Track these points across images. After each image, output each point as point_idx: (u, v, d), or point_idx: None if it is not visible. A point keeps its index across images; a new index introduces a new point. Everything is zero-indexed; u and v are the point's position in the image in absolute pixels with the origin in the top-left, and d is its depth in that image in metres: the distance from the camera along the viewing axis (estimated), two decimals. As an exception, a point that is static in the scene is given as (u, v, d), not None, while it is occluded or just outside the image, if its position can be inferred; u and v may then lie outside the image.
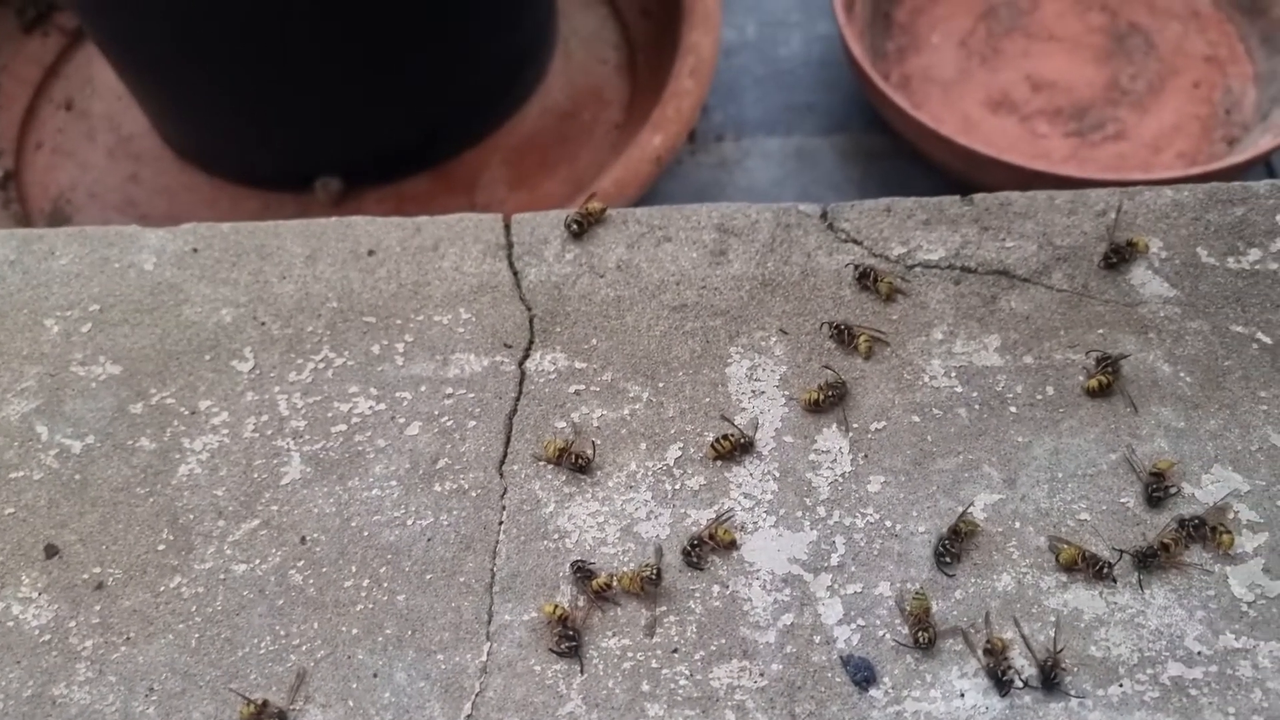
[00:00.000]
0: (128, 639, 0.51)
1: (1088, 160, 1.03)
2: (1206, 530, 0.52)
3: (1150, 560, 0.51)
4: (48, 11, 1.16)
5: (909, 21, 1.12)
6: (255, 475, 0.56)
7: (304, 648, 0.51)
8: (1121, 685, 0.49)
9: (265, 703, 0.48)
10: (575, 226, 0.63)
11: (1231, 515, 0.53)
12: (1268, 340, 0.58)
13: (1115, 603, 0.51)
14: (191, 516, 0.55)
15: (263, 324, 0.61)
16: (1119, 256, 0.61)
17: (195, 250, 0.64)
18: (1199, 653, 0.49)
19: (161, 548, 0.54)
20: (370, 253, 0.63)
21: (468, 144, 1.07)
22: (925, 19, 1.13)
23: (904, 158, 1.04)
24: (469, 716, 0.49)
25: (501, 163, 1.06)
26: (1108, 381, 0.56)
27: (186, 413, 0.58)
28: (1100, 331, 0.59)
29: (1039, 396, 0.57)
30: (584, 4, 1.15)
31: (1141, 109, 1.07)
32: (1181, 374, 0.57)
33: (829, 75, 1.10)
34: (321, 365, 0.60)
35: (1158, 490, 0.53)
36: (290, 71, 0.96)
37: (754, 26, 1.14)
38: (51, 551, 0.54)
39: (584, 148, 1.06)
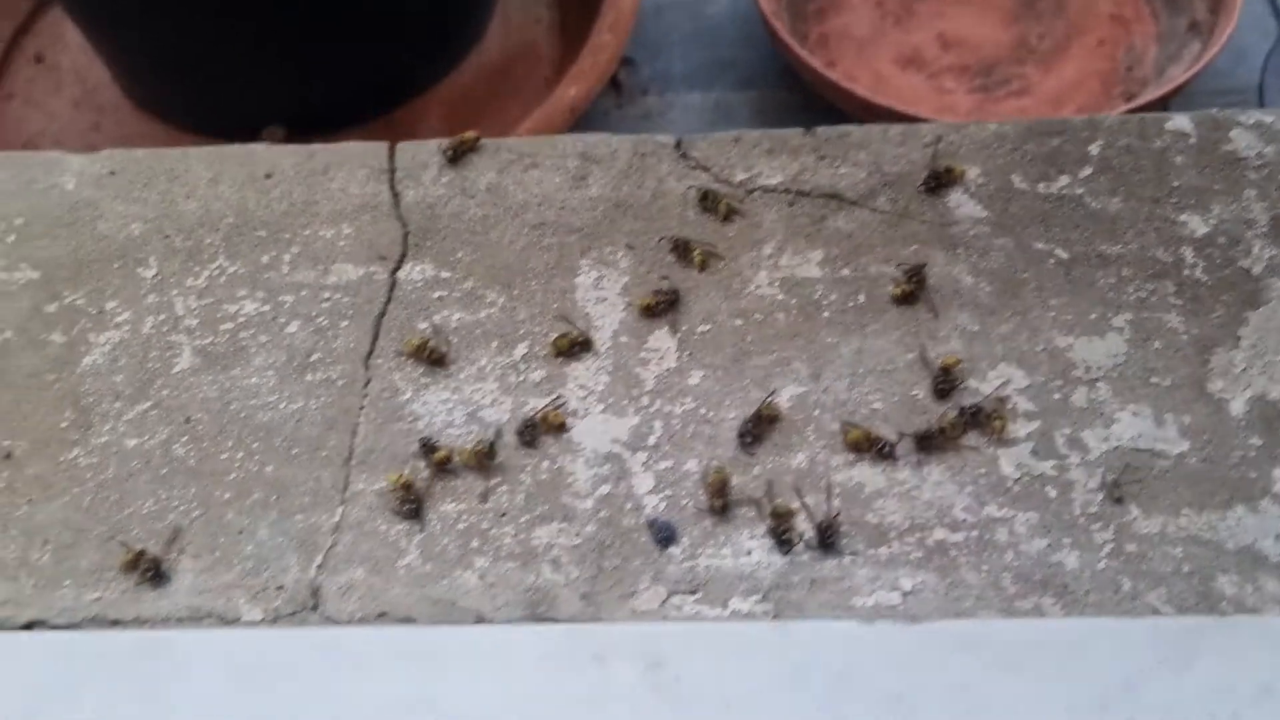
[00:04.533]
0: (30, 500, 0.59)
1: (990, 114, 1.09)
2: (983, 417, 0.58)
3: (929, 442, 0.58)
4: (19, -31, 1.23)
5: (828, -18, 1.18)
6: (150, 365, 0.63)
7: (181, 509, 0.58)
8: (890, 547, 0.55)
9: (143, 552, 0.56)
10: (450, 153, 0.70)
11: (1010, 406, 0.59)
12: (1065, 255, 0.64)
13: (895, 478, 0.57)
14: (92, 399, 0.62)
15: (167, 237, 0.68)
16: (938, 181, 0.67)
17: (112, 173, 0.71)
18: (963, 520, 0.56)
19: (64, 425, 0.61)
20: (267, 175, 0.70)
21: (407, 97, 1.13)
22: (844, -19, 1.18)
23: (817, 112, 1.10)
24: (319, 565, 0.56)
25: (438, 115, 1.13)
26: (912, 290, 0.63)
27: (94, 312, 0.65)
28: (914, 248, 0.65)
29: (850, 304, 0.63)
30: (522, -33, 1.21)
31: (1046, 66, 1.13)
32: (982, 284, 0.64)
33: (751, 32, 1.16)
34: (216, 272, 0.67)
35: (944, 383, 0.60)
36: (238, 26, 1.03)
37: (682, -14, 1.20)
38: (-32, 429, 0.61)
39: (515, 101, 1.12)
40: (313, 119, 1.12)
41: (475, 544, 0.57)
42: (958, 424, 0.58)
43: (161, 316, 0.65)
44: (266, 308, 0.65)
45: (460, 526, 0.57)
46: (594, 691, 0.48)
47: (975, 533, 0.56)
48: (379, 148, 0.71)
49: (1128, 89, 1.11)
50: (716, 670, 0.49)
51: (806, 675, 0.49)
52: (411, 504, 0.57)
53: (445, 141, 0.70)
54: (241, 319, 0.65)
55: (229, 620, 0.55)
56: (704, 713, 0.47)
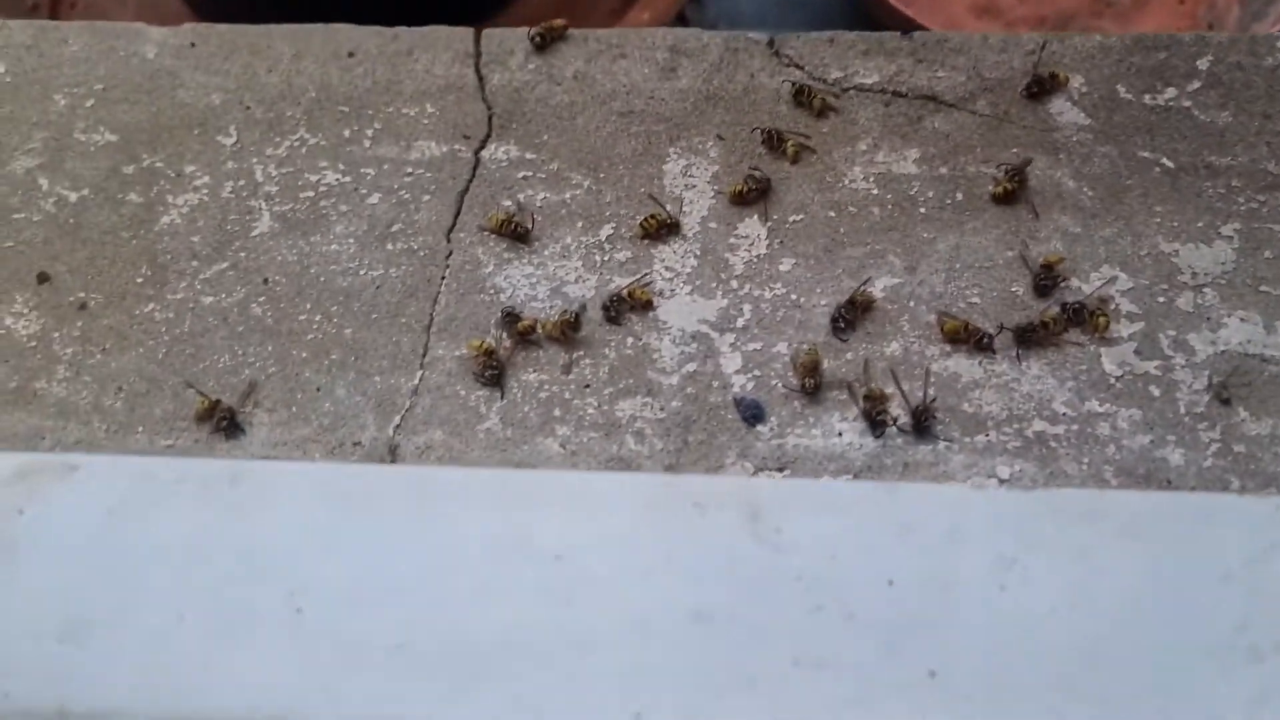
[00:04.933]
0: (104, 350, 0.58)
1: (1067, 66, 1.07)
2: (1085, 314, 0.56)
3: (1029, 335, 0.56)
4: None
5: (905, -73, 1.16)
6: (229, 227, 0.62)
7: (257, 365, 0.57)
8: (988, 435, 0.54)
9: (219, 401, 0.54)
10: (539, 39, 0.68)
11: (1112, 306, 0.57)
12: (1170, 165, 0.62)
13: (992, 370, 0.56)
14: (169, 257, 0.61)
15: (248, 108, 0.67)
16: (1041, 87, 0.65)
17: (193, 45, 0.70)
18: (1063, 414, 0.54)
19: (140, 280, 0.60)
20: (350, 54, 0.69)
21: (488, 11, 1.12)
22: (921, -74, 1.16)
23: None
24: (397, 426, 0.55)
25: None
26: (1013, 189, 0.61)
27: (172, 174, 0.64)
28: (1014, 151, 0.63)
29: (948, 201, 0.62)
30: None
31: (1125, 20, 1.10)
32: (1085, 189, 0.62)
33: (827, -23, 1.14)
34: (297, 143, 0.65)
35: (1046, 280, 0.58)
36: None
37: (755, -73, 1.19)
38: (43, 278, 0.60)
39: (589, 22, 1.11)
40: (379, 23, 1.10)
41: (557, 413, 0.55)
42: (1059, 320, 0.56)
43: (241, 182, 0.64)
44: (348, 179, 0.64)
45: (542, 395, 0.56)
46: (692, 535, 0.46)
47: (1076, 426, 0.54)
48: (464, 32, 0.70)
49: (1209, 48, 1.08)
50: (817, 524, 0.47)
51: (913, 534, 0.47)
52: (493, 370, 0.55)
53: (533, 29, 0.68)
54: (323, 188, 0.63)
55: (303, 475, 0.54)
56: (806, 562, 0.46)
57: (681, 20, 1.13)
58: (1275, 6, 1.05)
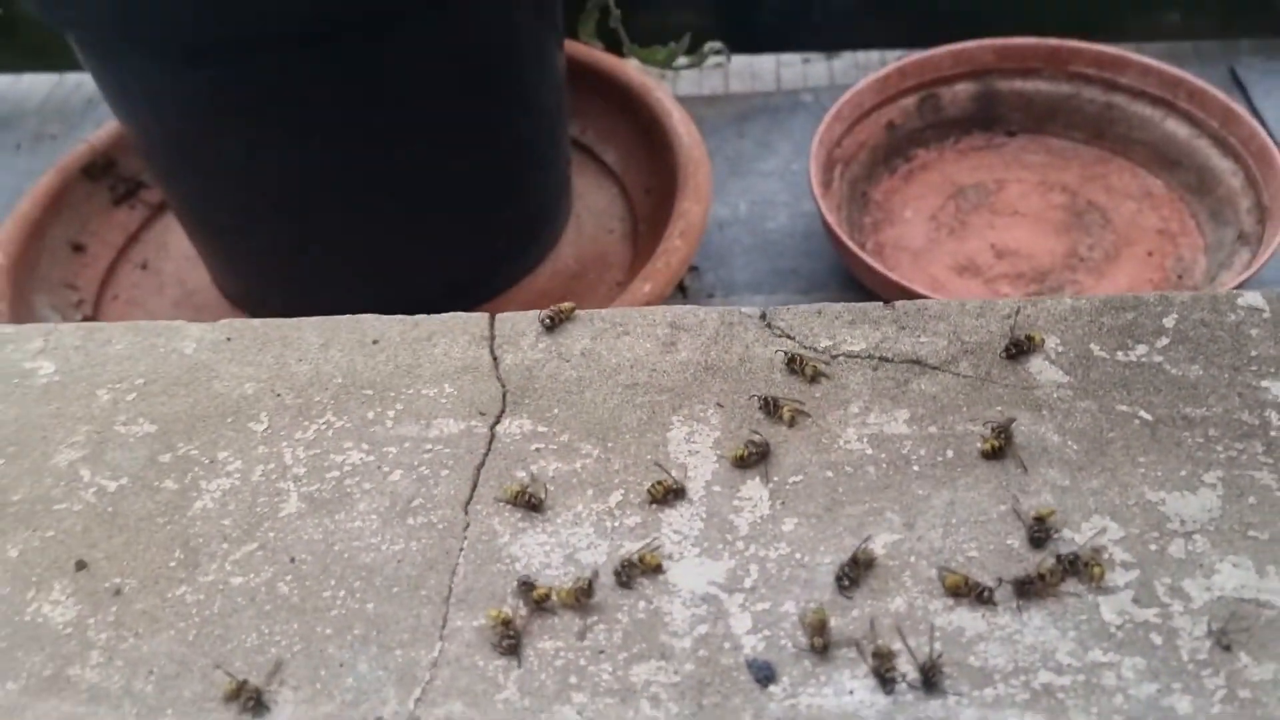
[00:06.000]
0: (136, 634, 0.60)
1: (1048, 317, 1.13)
2: (1081, 564, 0.59)
3: (1028, 587, 0.58)
4: (135, 189, 1.34)
5: (884, 200, 1.26)
6: (258, 509, 0.65)
7: (283, 643, 0.59)
8: (996, 688, 0.54)
9: (245, 682, 0.56)
10: (548, 321, 0.74)
11: (1106, 555, 0.60)
12: (1149, 417, 0.66)
13: (995, 623, 0.57)
14: (201, 540, 0.64)
15: (279, 395, 0.72)
16: (1018, 349, 0.70)
17: (229, 339, 0.76)
18: (1068, 664, 0.55)
19: (172, 564, 0.63)
20: (374, 342, 0.75)
21: (488, 298, 1.20)
22: (899, 198, 1.26)
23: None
24: (418, 699, 0.56)
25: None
26: (1000, 445, 0.64)
27: (206, 461, 0.68)
28: (998, 409, 0.67)
29: (940, 459, 0.65)
30: (597, 184, 1.30)
31: (1099, 273, 1.18)
32: (1069, 443, 0.65)
33: (811, 246, 1.22)
34: (324, 426, 0.70)
35: (1039, 532, 0.60)
36: (331, 233, 1.11)
37: (746, 205, 1.28)
38: (81, 565, 0.63)
39: (587, 303, 1.18)
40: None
41: (573, 680, 0.56)
42: (1056, 570, 0.58)
43: (270, 465, 0.68)
44: (371, 458, 0.68)
45: (558, 663, 0.57)
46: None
47: (1081, 676, 0.55)
48: (480, 317, 0.76)
49: (1180, 296, 1.15)
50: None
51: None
52: (510, 640, 0.57)
53: (544, 311, 0.74)
54: (347, 468, 0.67)
55: (325, 754, 0.54)
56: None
57: (681, 289, 1.20)
58: (1239, 256, 1.12)
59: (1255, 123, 1.14)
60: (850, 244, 1.11)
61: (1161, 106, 1.23)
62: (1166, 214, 1.21)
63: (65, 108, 1.57)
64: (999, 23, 1.31)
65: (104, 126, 1.35)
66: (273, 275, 1.17)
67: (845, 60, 1.50)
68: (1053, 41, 1.26)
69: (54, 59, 1.58)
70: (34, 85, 1.63)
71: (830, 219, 1.13)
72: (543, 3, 1.11)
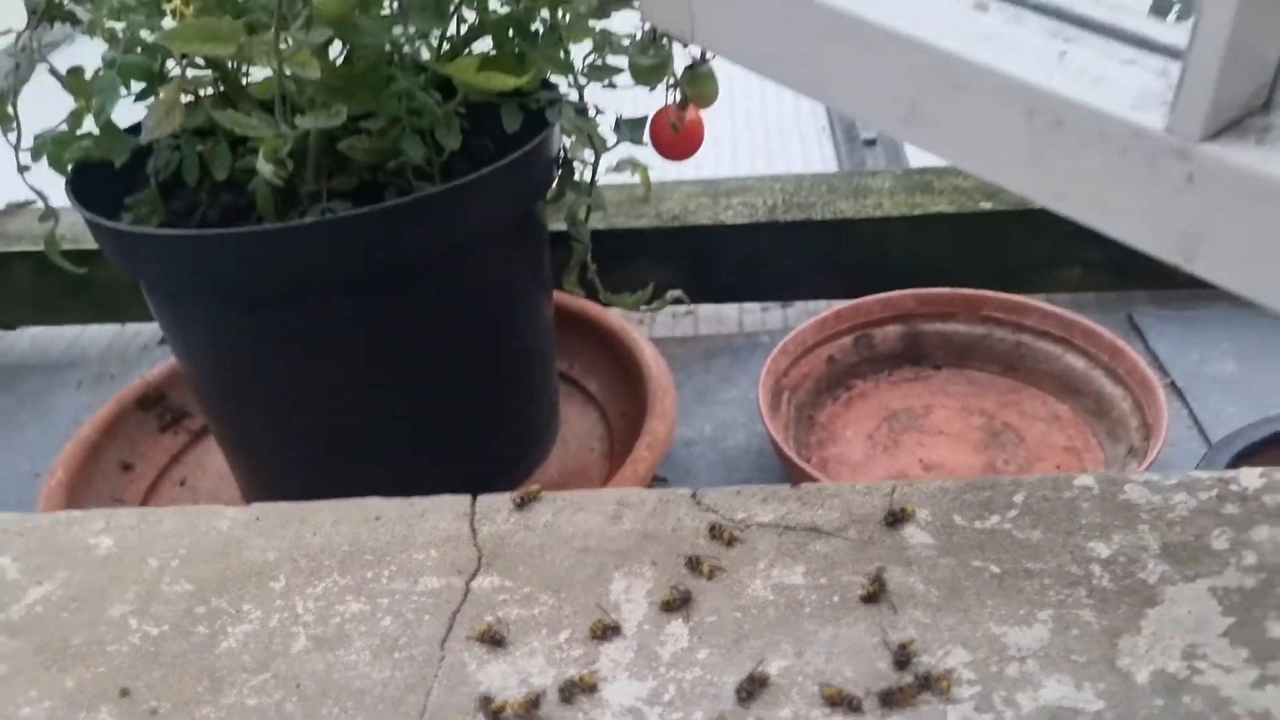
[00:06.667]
0: (168, 741, 0.74)
1: (969, 521, 1.29)
2: (933, 680, 0.73)
3: (890, 697, 0.72)
4: (180, 418, 1.54)
5: (828, 422, 1.44)
6: (273, 647, 0.80)
7: (287, 746, 0.73)
8: (858, 774, 0.68)
9: (254, 773, 0.70)
10: (519, 501, 0.91)
11: (955, 674, 0.74)
12: (997, 570, 0.82)
13: (862, 725, 0.71)
14: (225, 671, 0.79)
15: (295, 560, 0.88)
16: (896, 519, 0.86)
17: (257, 518, 0.93)
18: (918, 756, 0.69)
19: (200, 690, 0.77)
20: (376, 518, 0.91)
21: (497, 483, 1.36)
22: (841, 421, 1.45)
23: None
24: (393, 787, 0.69)
25: (505, 523, 1.35)
26: (876, 591, 0.80)
27: (233, 611, 0.84)
28: (877, 565, 0.83)
29: (828, 602, 0.80)
30: (581, 410, 1.50)
31: (1015, 485, 1.34)
32: (932, 590, 0.80)
33: (763, 461, 1.40)
34: (330, 584, 0.85)
35: (902, 656, 0.75)
36: (352, 445, 1.30)
37: (710, 427, 1.47)
38: (124, 693, 0.78)
39: (583, 484, 1.35)
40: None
41: (521, 773, 0.70)
42: (913, 685, 0.72)
43: (285, 614, 0.83)
44: (368, 607, 0.83)
45: (509, 760, 0.70)
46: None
47: (929, 766, 0.68)
48: (464, 498, 0.93)
49: (1087, 503, 1.31)
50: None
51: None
52: (471, 742, 0.71)
53: (515, 493, 0.91)
54: (348, 615, 0.82)
55: (317, 831, 0.67)
56: None
57: (658, 480, 1.37)
58: (1130, 467, 1.29)
59: (1137, 356, 1.34)
60: (795, 459, 1.29)
61: (1061, 344, 1.43)
62: (1072, 434, 1.39)
63: (124, 353, 1.80)
64: (925, 278, 1.54)
65: (157, 366, 1.57)
66: (297, 482, 1.34)
67: (798, 308, 1.73)
68: (966, 291, 1.48)
69: (118, 312, 1.82)
70: (99, 334, 1.87)
71: (778, 438, 1.31)
72: (535, 260, 1.34)
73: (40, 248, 1.73)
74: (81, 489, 1.39)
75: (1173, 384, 1.50)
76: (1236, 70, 0.61)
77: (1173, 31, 0.72)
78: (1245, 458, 1.26)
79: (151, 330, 1.90)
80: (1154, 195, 0.67)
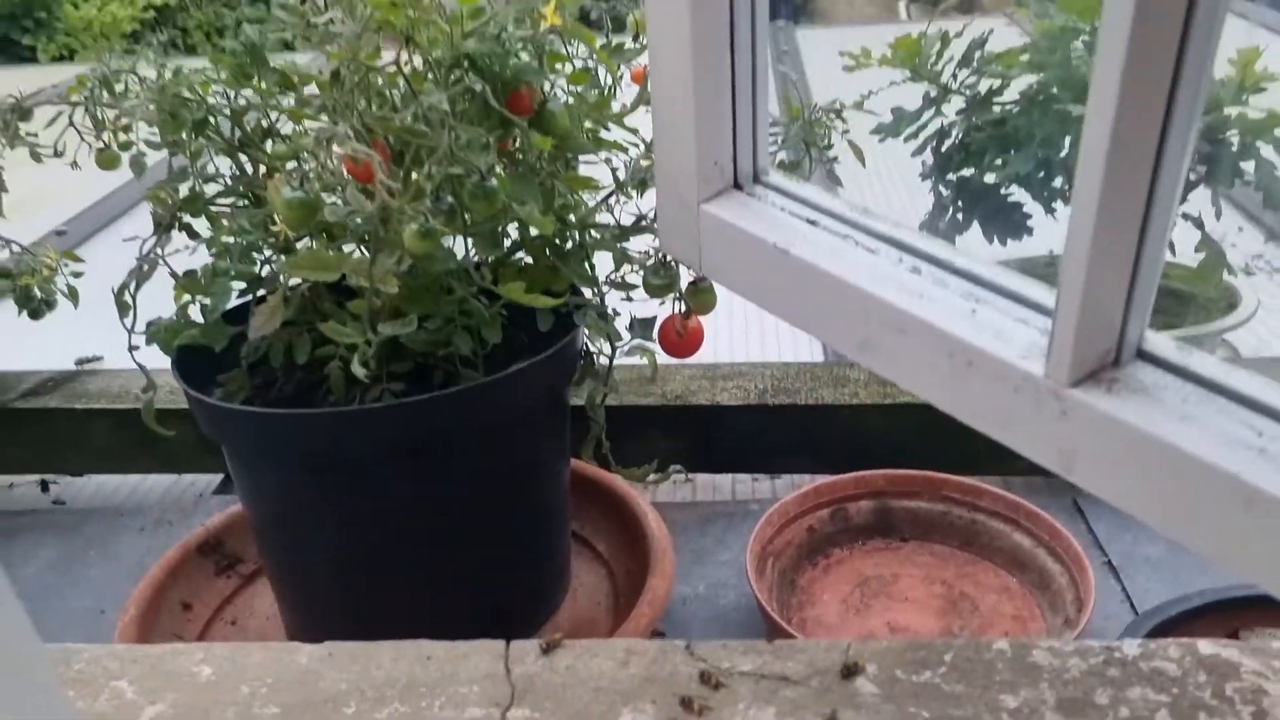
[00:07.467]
0: (267, 831, 0.93)
1: (926, 678, 1.48)
2: (872, 801, 0.93)
3: (837, 814, 0.92)
4: (235, 563, 1.75)
5: (807, 586, 1.65)
6: (348, 759, 1.00)
7: (362, 838, 0.92)
8: None
9: None
10: (545, 646, 1.12)
11: (890, 797, 0.94)
12: (927, 715, 1.02)
13: (815, 835, 0.91)
14: (310, 777, 0.98)
15: (362, 690, 1.09)
16: (849, 672, 1.07)
17: (330, 654, 1.14)
18: None
19: (291, 791, 0.97)
20: (429, 658, 1.12)
21: (526, 628, 1.56)
22: (819, 585, 1.65)
23: (799, 672, 1.50)
24: None
25: (522, 666, 1.54)
26: (830, 729, 1.00)
27: (314, 729, 1.04)
28: (833, 708, 1.03)
29: (792, 737, 1.00)
30: (590, 567, 1.71)
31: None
32: (876, 730, 1.01)
33: (751, 619, 1.60)
34: (393, 710, 1.06)
35: (848, 782, 0.95)
36: (394, 592, 1.51)
37: (704, 586, 1.68)
38: (230, 792, 0.97)
39: (593, 631, 1.54)
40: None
41: None
42: (855, 804, 0.92)
43: (357, 733, 1.03)
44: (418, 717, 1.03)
45: None
46: None
47: None
48: (499, 643, 1.14)
49: (1030, 665, 1.50)
50: None
51: None
52: (508, 838, 0.90)
53: (543, 640, 1.12)
54: (407, 735, 1.03)
55: None
56: None
57: (657, 634, 1.57)
58: (1065, 636, 1.50)
59: (1072, 537, 1.56)
60: (778, 619, 1.49)
61: (1010, 524, 1.65)
62: (1019, 604, 1.60)
63: (181, 501, 2.02)
64: (895, 459, 1.77)
65: (215, 515, 1.79)
66: (342, 618, 1.54)
67: (785, 480, 1.96)
68: (930, 473, 1.71)
69: (178, 464, 2.05)
70: (158, 482, 2.10)
71: (763, 599, 1.52)
72: (558, 434, 1.57)
73: (116, 405, 1.98)
74: (150, 625, 1.59)
75: (1109, 562, 1.72)
76: (1089, 334, 0.85)
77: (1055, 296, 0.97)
78: (1164, 629, 1.46)
79: (206, 481, 2.12)
80: (1039, 422, 0.91)
